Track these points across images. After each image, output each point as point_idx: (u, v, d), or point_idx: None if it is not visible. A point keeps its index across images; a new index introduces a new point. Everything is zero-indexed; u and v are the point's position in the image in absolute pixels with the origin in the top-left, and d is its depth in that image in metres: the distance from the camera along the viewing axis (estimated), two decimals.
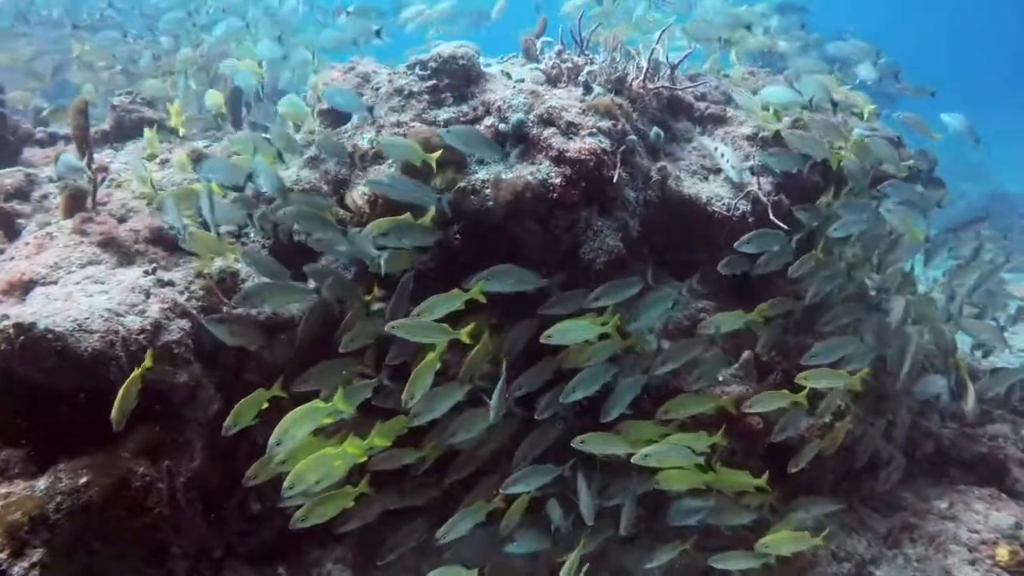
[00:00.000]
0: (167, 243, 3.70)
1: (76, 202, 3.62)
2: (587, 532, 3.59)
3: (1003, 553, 4.08)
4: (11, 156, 4.65)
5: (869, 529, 4.31)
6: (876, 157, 4.49)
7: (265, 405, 3.20)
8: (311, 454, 3.07)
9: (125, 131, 4.98)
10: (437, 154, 3.65)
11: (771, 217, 4.06)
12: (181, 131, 4.60)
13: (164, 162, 4.29)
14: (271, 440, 3.05)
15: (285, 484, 3.04)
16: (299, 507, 3.20)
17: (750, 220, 4.17)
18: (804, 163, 4.30)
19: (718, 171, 4.43)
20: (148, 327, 3.02)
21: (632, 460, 3.43)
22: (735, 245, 3.86)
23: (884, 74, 5.70)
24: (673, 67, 4.65)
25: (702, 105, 4.77)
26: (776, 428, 3.76)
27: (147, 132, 4.58)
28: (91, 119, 4.29)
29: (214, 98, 4.55)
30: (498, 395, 3.47)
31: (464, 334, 3.39)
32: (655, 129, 4.24)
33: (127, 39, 7.08)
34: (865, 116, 4.99)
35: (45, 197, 4.07)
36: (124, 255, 3.53)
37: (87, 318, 2.85)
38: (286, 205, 3.48)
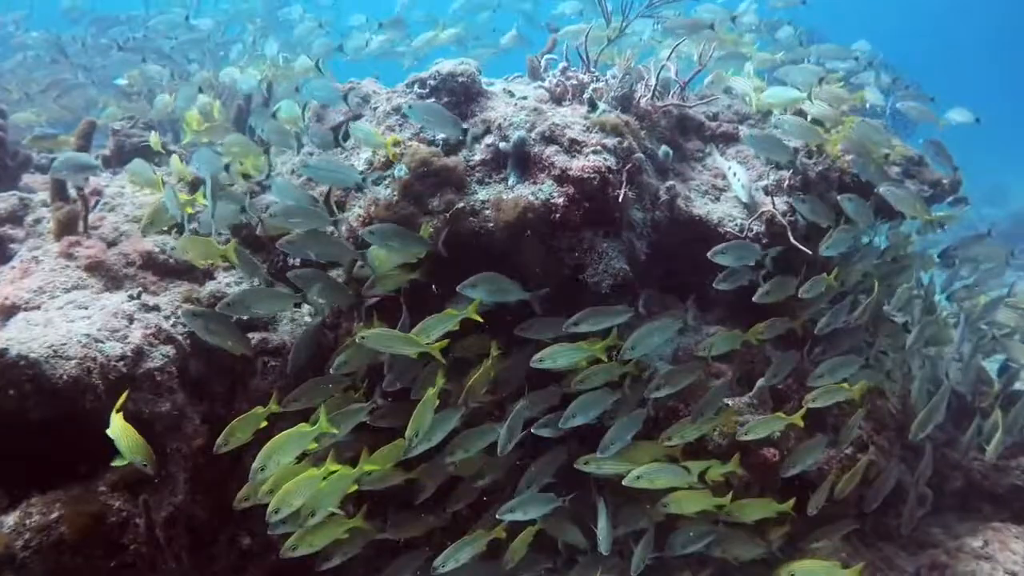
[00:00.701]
0: (157, 267, 3.60)
1: (67, 225, 3.52)
2: (601, 563, 3.42)
3: None
4: (10, 181, 4.59)
5: (896, 568, 4.05)
6: (870, 140, 4.30)
7: (264, 423, 3.08)
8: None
9: (125, 156, 4.91)
10: (392, 138, 3.67)
11: (792, 239, 3.87)
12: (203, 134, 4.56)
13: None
14: (255, 465, 2.92)
15: (270, 508, 2.91)
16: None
17: (764, 242, 3.99)
18: (792, 152, 4.16)
19: (730, 190, 4.26)
20: (129, 354, 2.89)
21: (623, 483, 3.29)
22: (708, 255, 3.66)
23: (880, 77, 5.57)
24: (683, 85, 4.52)
25: (713, 124, 4.62)
26: (786, 462, 3.55)
27: (153, 137, 4.53)
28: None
29: (215, 109, 4.49)
30: (508, 428, 3.33)
31: (435, 347, 3.28)
32: (664, 147, 4.09)
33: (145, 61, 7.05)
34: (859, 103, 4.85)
35: (39, 221, 3.97)
36: (112, 279, 3.42)
37: (64, 344, 2.73)
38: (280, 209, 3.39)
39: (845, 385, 3.73)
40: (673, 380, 3.52)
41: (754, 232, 3.99)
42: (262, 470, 2.94)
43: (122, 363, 2.84)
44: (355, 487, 3.18)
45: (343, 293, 3.44)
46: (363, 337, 3.16)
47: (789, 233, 3.88)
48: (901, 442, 4.23)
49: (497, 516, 3.35)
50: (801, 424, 3.62)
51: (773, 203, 4.08)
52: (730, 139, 4.57)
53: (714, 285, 3.72)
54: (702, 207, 4.06)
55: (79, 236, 3.48)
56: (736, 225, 4.00)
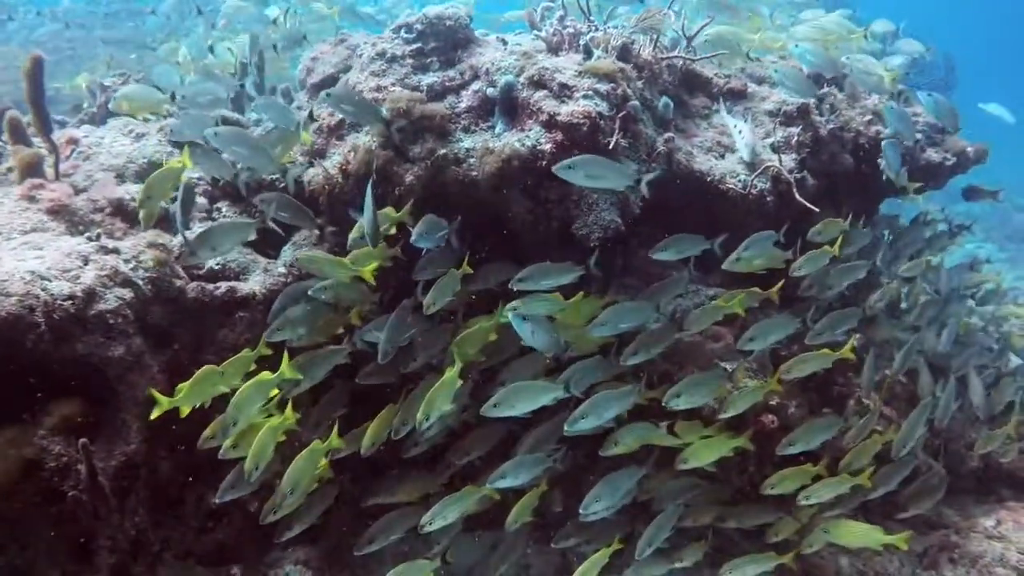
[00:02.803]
0: (127, 215, 3.44)
1: (29, 168, 3.38)
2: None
3: None
4: None
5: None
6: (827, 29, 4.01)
7: (253, 367, 2.95)
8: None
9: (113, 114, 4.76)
10: None
11: (796, 196, 3.62)
12: None
13: (140, 136, 4.04)
14: (226, 420, 2.78)
15: (248, 467, 2.77)
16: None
17: (769, 199, 3.74)
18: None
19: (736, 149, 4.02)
20: (79, 294, 2.73)
21: (600, 454, 3.14)
22: (554, 168, 3.09)
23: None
24: (690, 39, 4.27)
25: (721, 81, 4.36)
26: (787, 439, 3.29)
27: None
28: None
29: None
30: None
31: (367, 271, 3.12)
32: (664, 99, 3.84)
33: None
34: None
35: (12, 170, 3.84)
36: (76, 224, 3.27)
37: (5, 281, 2.57)
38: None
39: (827, 351, 3.45)
40: (647, 345, 3.29)
41: (759, 189, 3.75)
42: (235, 424, 2.80)
43: (70, 303, 2.68)
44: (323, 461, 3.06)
45: (305, 216, 3.26)
46: (297, 259, 3.06)
47: (794, 189, 3.63)
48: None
49: (488, 485, 3.15)
50: (778, 388, 3.40)
51: (780, 160, 3.84)
52: (739, 95, 4.32)
53: (651, 256, 3.38)
54: (704, 163, 3.82)
55: (40, 180, 3.33)
56: (739, 181, 3.76)
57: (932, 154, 4.70)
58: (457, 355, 3.21)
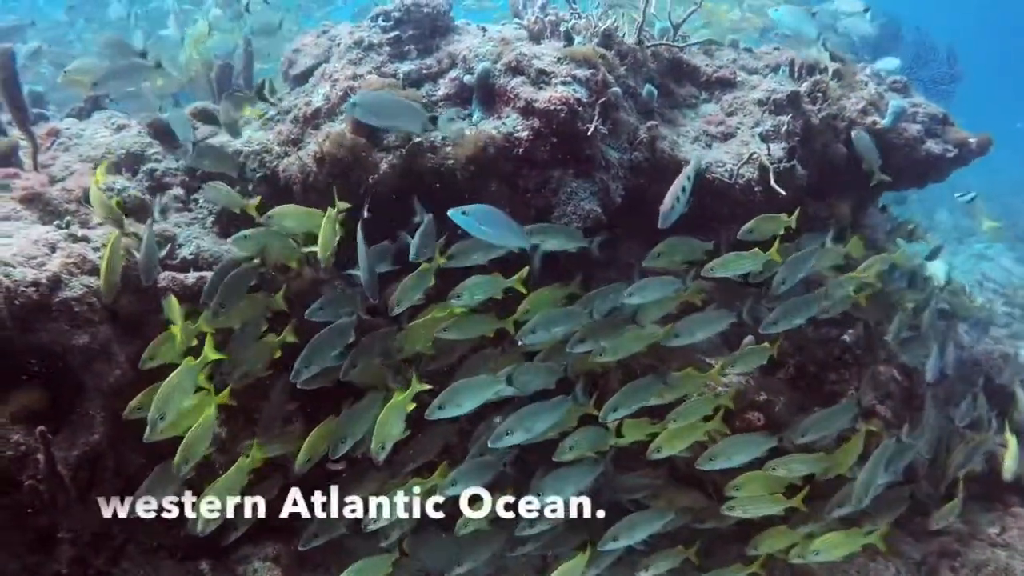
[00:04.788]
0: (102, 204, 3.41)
1: (4, 159, 3.36)
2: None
3: None
4: None
5: (900, 555, 3.67)
6: None
7: (194, 342, 2.84)
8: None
9: (101, 106, 4.76)
10: None
11: (771, 183, 3.52)
12: None
13: (120, 127, 4.02)
14: (151, 415, 2.59)
15: (177, 462, 2.64)
16: None
17: (756, 189, 3.66)
18: None
19: (725, 138, 3.94)
20: (43, 281, 2.69)
21: (554, 459, 2.99)
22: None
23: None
24: (676, 26, 4.19)
25: (709, 69, 4.28)
26: (706, 453, 3.11)
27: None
28: None
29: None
30: None
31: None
32: (648, 87, 3.78)
33: None
34: None
35: None
36: (49, 213, 3.24)
37: None
38: None
39: (766, 345, 3.30)
40: (596, 334, 3.16)
41: (745, 179, 3.66)
42: (161, 419, 2.61)
43: (33, 289, 2.65)
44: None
45: (227, 159, 3.36)
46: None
47: (771, 177, 3.52)
48: (909, 414, 3.85)
49: (439, 494, 2.99)
50: (732, 406, 3.28)
51: (769, 149, 3.75)
52: (727, 84, 4.24)
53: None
54: (690, 152, 3.74)
55: (14, 169, 3.31)
56: (726, 171, 3.68)
57: (932, 145, 4.55)
58: (407, 346, 3.13)
